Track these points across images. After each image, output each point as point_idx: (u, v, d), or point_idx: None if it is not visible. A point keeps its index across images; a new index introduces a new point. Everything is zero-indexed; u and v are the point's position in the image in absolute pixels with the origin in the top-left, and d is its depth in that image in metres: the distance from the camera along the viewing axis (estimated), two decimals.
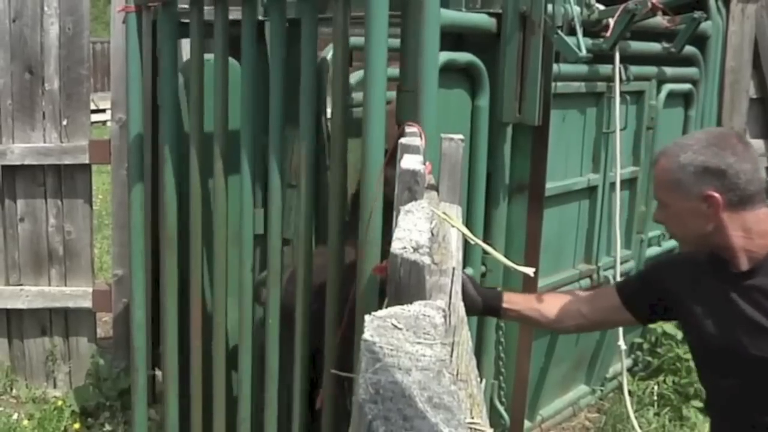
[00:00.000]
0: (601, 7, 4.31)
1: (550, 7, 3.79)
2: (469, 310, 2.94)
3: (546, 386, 4.97)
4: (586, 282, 4.94)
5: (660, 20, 4.79)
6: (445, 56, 3.42)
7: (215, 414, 3.96)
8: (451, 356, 1.67)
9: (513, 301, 2.84)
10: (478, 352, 4.06)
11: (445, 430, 0.88)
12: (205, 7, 4.43)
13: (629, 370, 5.44)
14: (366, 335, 1.11)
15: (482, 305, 2.81)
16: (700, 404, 5.20)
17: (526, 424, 4.60)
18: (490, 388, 4.04)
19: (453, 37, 3.47)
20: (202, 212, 3.89)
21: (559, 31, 3.85)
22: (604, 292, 2.98)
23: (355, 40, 4.74)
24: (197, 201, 3.84)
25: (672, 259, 2.88)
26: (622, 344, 4.62)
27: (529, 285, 3.84)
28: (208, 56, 4.44)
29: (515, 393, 4.12)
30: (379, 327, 1.14)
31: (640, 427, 4.59)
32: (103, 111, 13.84)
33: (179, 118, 3.91)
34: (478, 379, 1.94)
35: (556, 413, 5.20)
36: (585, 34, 4.02)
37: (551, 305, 2.83)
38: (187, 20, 4.34)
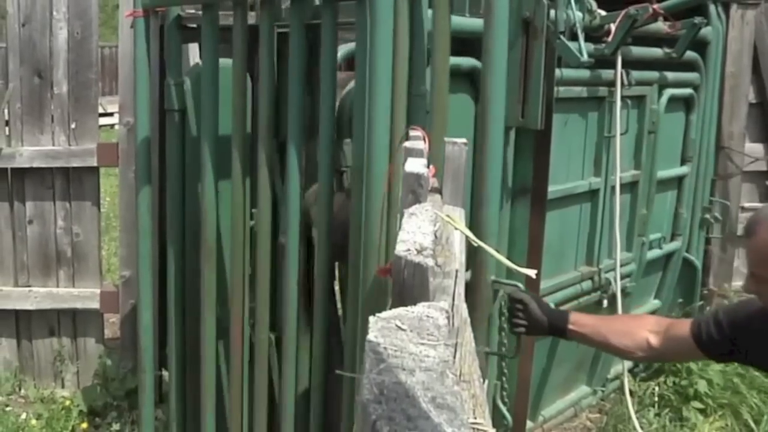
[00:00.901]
0: (603, 12, 4.30)
1: (552, 12, 3.79)
2: (534, 330, 2.90)
3: (548, 387, 4.97)
4: (587, 284, 4.93)
5: (661, 26, 4.79)
6: (450, 61, 3.42)
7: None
8: (455, 357, 1.67)
9: (580, 323, 2.80)
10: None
11: (449, 430, 0.88)
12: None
13: (630, 371, 5.43)
14: (370, 336, 1.11)
15: (548, 325, 2.78)
16: (700, 405, 5.20)
17: (528, 424, 4.60)
18: (493, 388, 4.03)
19: (457, 42, 3.46)
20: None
21: (562, 36, 3.85)
22: (676, 330, 2.81)
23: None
24: (240, 207, 3.81)
25: (749, 311, 2.78)
26: None
27: (531, 286, 3.83)
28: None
29: (518, 394, 4.11)
30: (383, 328, 1.14)
31: (641, 428, 4.59)
32: (111, 114, 13.84)
33: (216, 122, 3.86)
34: (481, 380, 1.94)
35: (558, 413, 5.19)
36: (587, 40, 4.02)
37: (619, 333, 2.78)
38: (193, 25, 4.36)
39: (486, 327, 2.93)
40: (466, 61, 3.81)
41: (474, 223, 3.34)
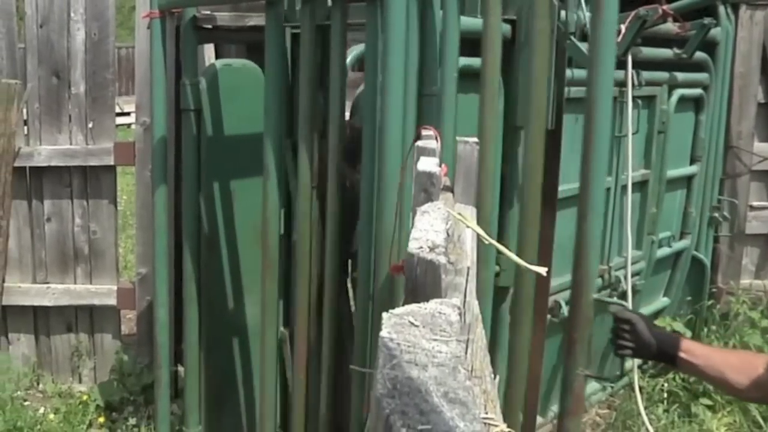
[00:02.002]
0: None
1: (563, 13, 3.79)
2: (640, 353, 2.74)
3: (558, 383, 4.96)
4: (597, 282, 4.93)
5: (671, 26, 4.78)
6: (462, 61, 3.42)
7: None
8: (466, 353, 1.67)
9: (692, 352, 2.58)
10: (492, 349, 4.05)
11: (461, 424, 0.88)
12: (221, 14, 4.46)
13: (639, 367, 5.41)
14: (383, 332, 1.11)
15: (656, 350, 2.62)
16: (708, 401, 5.19)
17: (538, 419, 4.60)
18: (503, 384, 4.03)
19: (469, 43, 3.46)
20: None
21: (572, 37, 3.85)
22: None
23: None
24: (306, 205, 3.71)
25: None
26: None
27: (541, 284, 3.83)
28: (227, 61, 4.47)
29: (528, 390, 4.11)
30: (396, 324, 1.14)
31: (650, 423, 4.58)
32: (128, 114, 13.90)
33: (279, 123, 3.80)
34: (492, 376, 1.95)
35: None
36: None
37: (735, 368, 2.52)
38: (208, 26, 4.38)
39: (586, 347, 2.84)
40: (478, 62, 3.81)
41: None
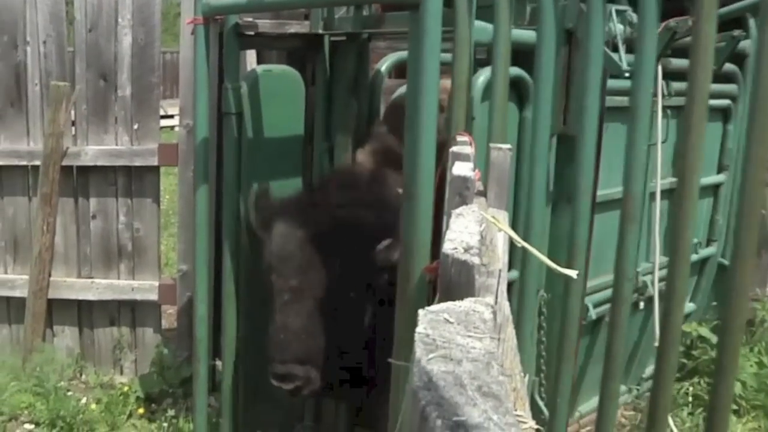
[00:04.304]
0: None
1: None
2: None
3: (585, 383, 4.95)
4: None
5: None
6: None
7: None
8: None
9: None
10: (520, 349, 4.04)
11: (494, 416, 0.89)
12: (263, 21, 4.50)
13: None
14: (420, 328, 1.13)
15: None
16: (733, 406, 5.14)
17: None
18: (531, 384, 4.03)
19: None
20: None
21: (604, 47, 3.84)
22: None
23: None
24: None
25: None
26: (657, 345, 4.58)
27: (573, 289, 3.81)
28: (268, 67, 4.51)
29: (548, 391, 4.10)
30: (432, 321, 1.16)
31: (675, 426, 4.55)
32: (171, 116, 14.03)
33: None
34: (522, 375, 1.95)
35: (594, 410, 5.14)
36: (628, 51, 3.99)
37: None
38: (250, 32, 4.41)
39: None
40: (511, 70, 3.81)
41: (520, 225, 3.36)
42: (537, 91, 3.29)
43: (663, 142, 4.71)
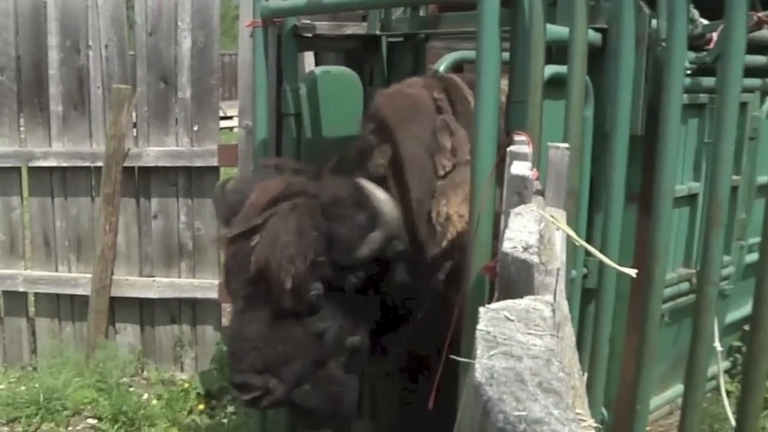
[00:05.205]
0: (705, 21, 4.23)
1: (654, 22, 3.75)
2: None
3: None
4: (685, 285, 4.85)
5: (766, 34, 4.68)
6: (552, 69, 3.42)
7: None
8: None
9: None
10: (579, 348, 4.03)
11: (555, 411, 0.91)
12: (321, 23, 4.54)
13: (727, 371, 5.32)
14: (481, 325, 1.15)
15: None
16: None
17: None
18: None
19: (561, 51, 3.46)
20: None
21: (664, 45, 3.81)
22: None
23: (467, 53, 4.80)
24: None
25: None
26: (717, 346, 4.53)
27: (634, 288, 3.79)
28: (326, 68, 4.55)
29: (620, 391, 4.07)
30: (492, 318, 1.18)
31: None
32: (230, 118, 14.20)
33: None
34: (580, 373, 1.96)
35: (653, 410, 5.11)
36: (689, 48, 3.96)
37: None
38: (308, 35, 4.46)
39: None
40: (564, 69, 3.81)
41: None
42: (615, 93, 3.29)
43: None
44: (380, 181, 3.34)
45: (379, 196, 3.09)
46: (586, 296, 3.75)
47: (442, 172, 3.46)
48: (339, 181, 3.29)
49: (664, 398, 5.25)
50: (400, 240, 3.19)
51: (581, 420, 1.58)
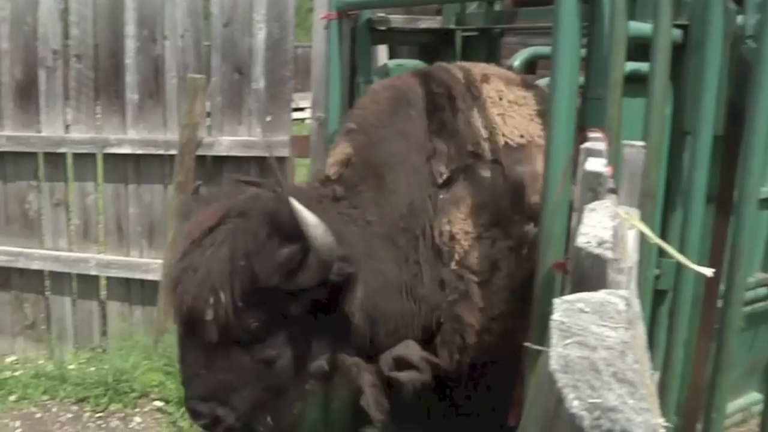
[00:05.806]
0: None
1: (739, 18, 3.69)
2: None
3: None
4: (763, 291, 4.76)
5: None
6: (630, 66, 3.40)
7: None
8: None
9: None
10: (669, 357, 3.97)
11: (630, 401, 0.93)
12: (395, 16, 4.57)
13: None
14: (555, 316, 1.17)
15: None
16: None
17: None
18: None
19: (641, 48, 3.43)
20: None
21: (749, 41, 3.74)
22: None
23: (542, 49, 4.78)
24: None
25: None
26: None
27: (709, 287, 3.74)
28: (400, 62, 4.58)
29: (689, 395, 4.03)
30: (567, 309, 1.20)
31: None
32: (302, 109, 14.30)
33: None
34: (651, 373, 1.96)
35: (726, 417, 5.04)
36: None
37: None
38: (382, 27, 4.49)
39: None
40: (647, 66, 3.77)
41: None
42: (699, 92, 3.25)
43: None
44: (349, 189, 3.16)
45: (309, 220, 2.68)
46: (657, 297, 3.71)
47: (439, 180, 3.17)
48: (272, 202, 2.95)
49: (737, 405, 5.16)
50: (346, 263, 2.83)
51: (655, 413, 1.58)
